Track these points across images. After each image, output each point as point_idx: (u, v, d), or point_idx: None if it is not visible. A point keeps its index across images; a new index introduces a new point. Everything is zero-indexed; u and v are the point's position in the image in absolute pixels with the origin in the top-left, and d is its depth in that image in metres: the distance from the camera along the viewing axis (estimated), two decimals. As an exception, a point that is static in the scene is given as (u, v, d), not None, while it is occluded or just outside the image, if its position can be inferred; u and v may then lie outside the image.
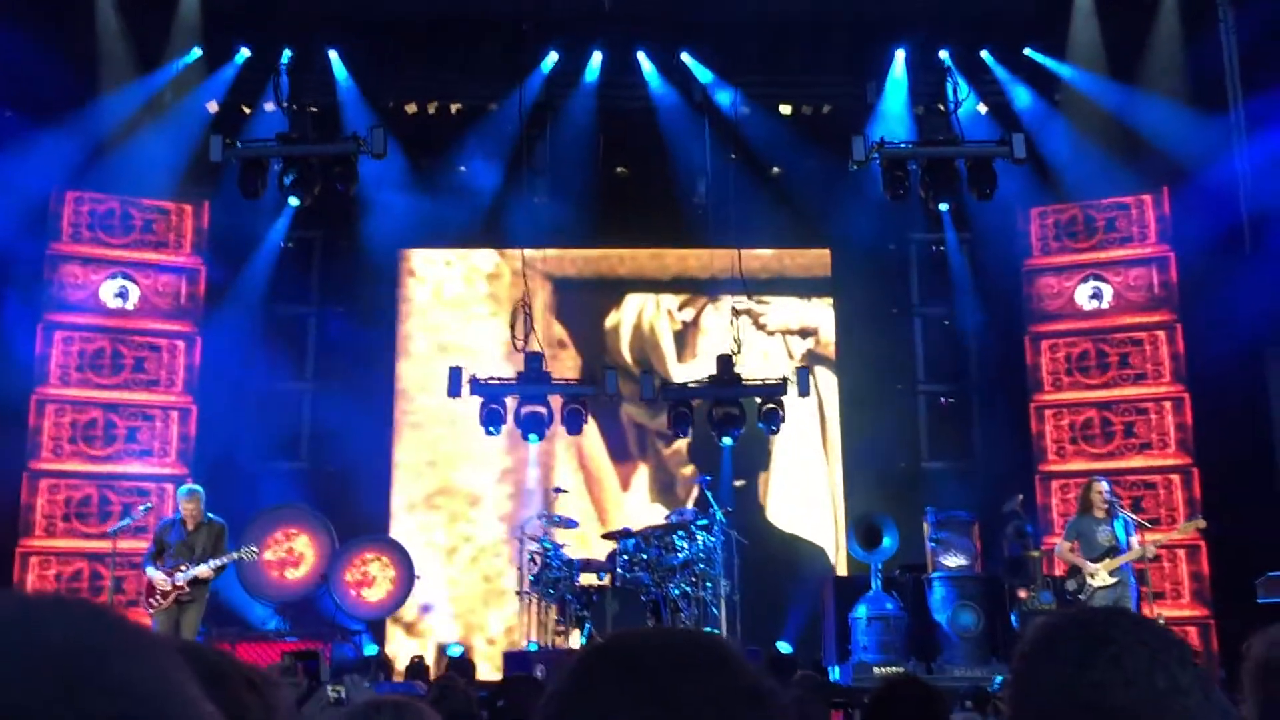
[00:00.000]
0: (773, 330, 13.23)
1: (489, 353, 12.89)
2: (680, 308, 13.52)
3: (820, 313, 13.27)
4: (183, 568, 8.56)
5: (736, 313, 11.69)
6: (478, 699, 4.19)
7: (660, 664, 0.93)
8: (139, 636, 0.68)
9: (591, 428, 12.20)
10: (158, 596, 8.58)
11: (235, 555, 8.84)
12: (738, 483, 12.05)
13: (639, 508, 12.58)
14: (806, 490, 12.88)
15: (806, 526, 12.79)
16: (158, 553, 8.77)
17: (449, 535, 12.66)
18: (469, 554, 12.62)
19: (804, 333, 13.26)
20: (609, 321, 13.40)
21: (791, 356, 13.05)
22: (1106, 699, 1.20)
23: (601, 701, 0.93)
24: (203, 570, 8.58)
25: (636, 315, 13.42)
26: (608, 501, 12.73)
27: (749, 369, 11.66)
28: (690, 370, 12.71)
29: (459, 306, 13.23)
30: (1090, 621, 1.34)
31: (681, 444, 12.64)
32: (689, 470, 12.76)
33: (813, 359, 12.91)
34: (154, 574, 8.63)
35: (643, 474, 12.97)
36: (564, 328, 13.12)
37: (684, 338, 13.42)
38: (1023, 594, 10.11)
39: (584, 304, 13.29)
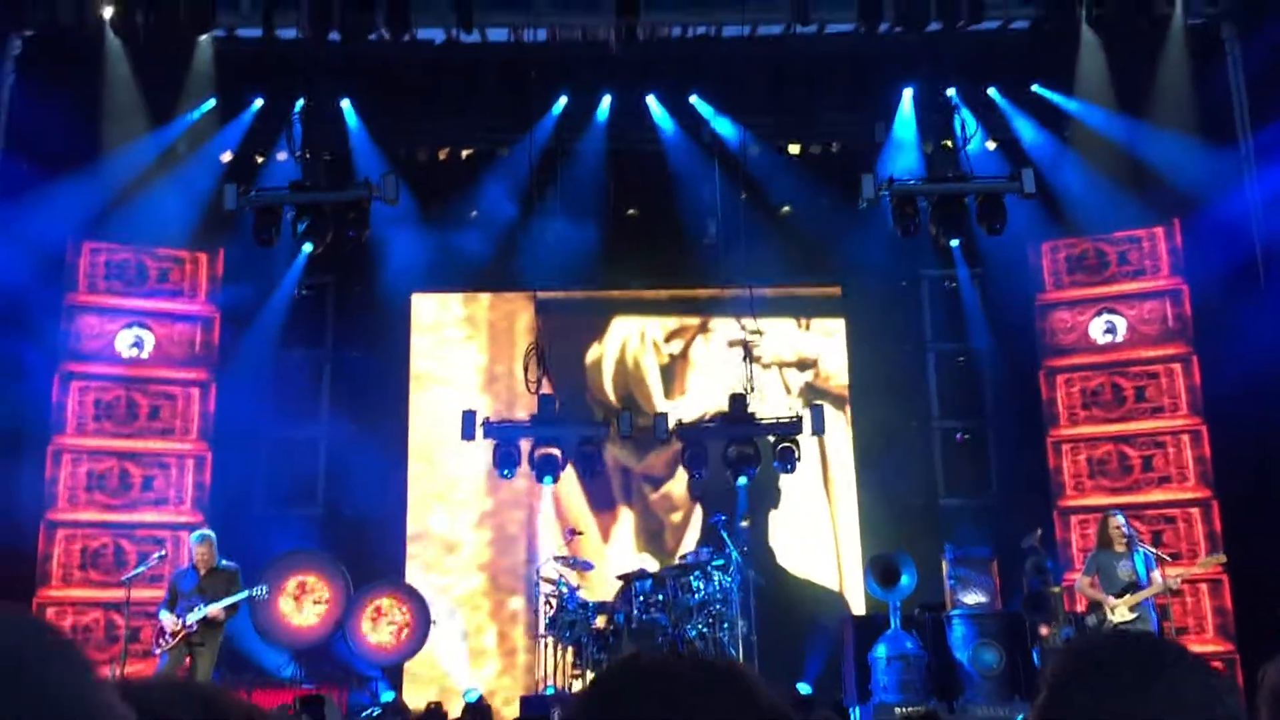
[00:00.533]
0: (782, 365, 13.20)
1: (502, 395, 12.91)
2: (667, 339, 13.42)
3: (833, 349, 13.25)
4: (193, 609, 8.61)
5: (749, 353, 11.66)
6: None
7: (682, 686, 0.94)
8: (56, 641, 0.68)
9: (569, 473, 11.77)
10: (166, 637, 8.61)
11: (246, 594, 8.85)
12: (744, 523, 11.88)
13: (623, 556, 12.42)
14: (813, 528, 12.80)
15: (817, 565, 12.71)
16: (172, 600, 8.86)
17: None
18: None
19: (812, 368, 13.23)
20: (590, 355, 13.30)
21: (790, 392, 13.02)
22: None
23: (623, 717, 0.94)
24: (213, 610, 8.60)
25: (620, 349, 13.29)
26: (588, 553, 12.07)
27: (761, 406, 11.64)
28: (678, 407, 12.60)
29: (472, 349, 13.26)
30: (1135, 647, 1.30)
31: (671, 487, 12.50)
32: (678, 516, 12.63)
33: (814, 394, 12.86)
34: (165, 616, 8.71)
35: (626, 521, 12.77)
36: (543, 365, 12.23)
37: (671, 372, 13.33)
38: (1044, 631, 10.01)
39: (566, 336, 13.11)
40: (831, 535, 12.76)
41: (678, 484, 12.62)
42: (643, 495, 12.80)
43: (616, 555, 12.49)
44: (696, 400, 11.67)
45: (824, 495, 12.85)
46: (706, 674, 0.96)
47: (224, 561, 8.96)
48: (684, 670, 0.97)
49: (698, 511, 12.56)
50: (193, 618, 8.57)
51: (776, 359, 13.19)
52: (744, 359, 11.53)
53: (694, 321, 13.34)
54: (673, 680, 0.96)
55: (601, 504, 12.71)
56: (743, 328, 12.31)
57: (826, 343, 13.27)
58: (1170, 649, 1.28)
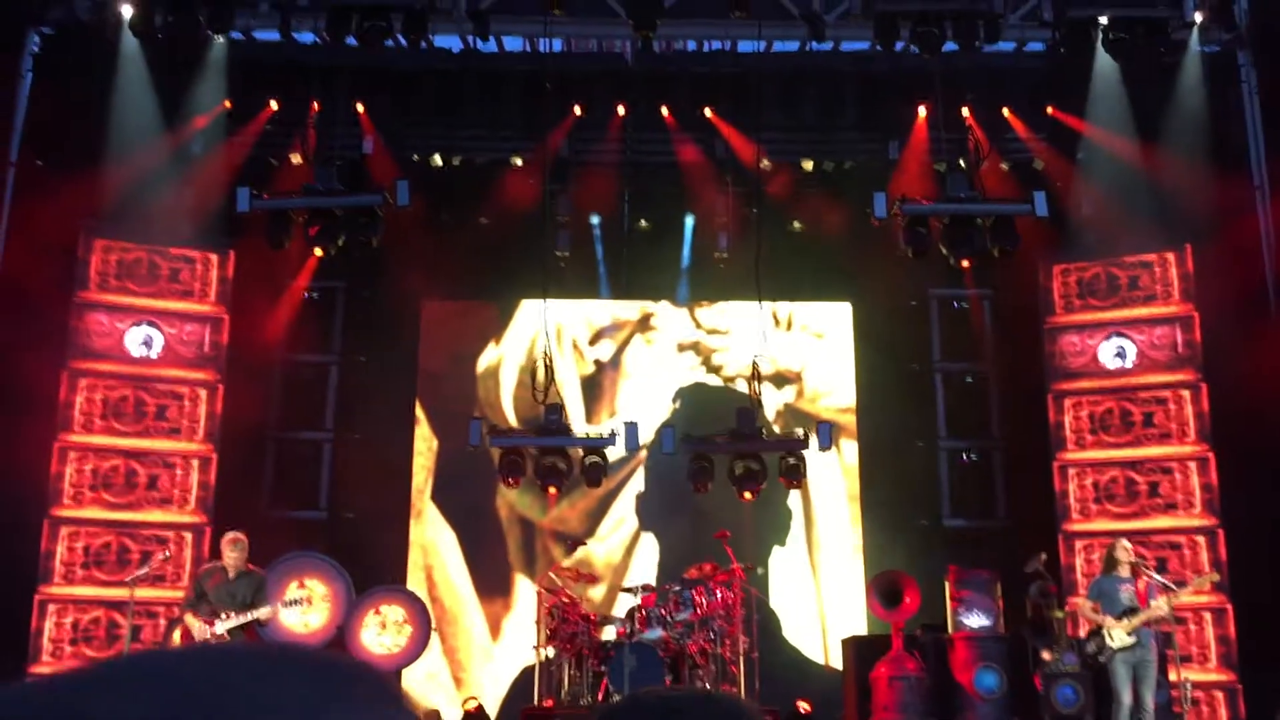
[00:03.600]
0: (787, 380, 13.18)
1: (509, 404, 12.92)
2: (593, 341, 13.32)
3: (840, 366, 13.23)
4: (223, 615, 8.50)
5: (758, 372, 11.62)
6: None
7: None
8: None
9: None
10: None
11: (278, 605, 8.84)
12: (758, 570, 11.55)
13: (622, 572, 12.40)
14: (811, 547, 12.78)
15: (813, 583, 12.68)
16: (197, 600, 8.68)
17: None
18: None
19: (814, 385, 13.22)
20: (481, 363, 13.16)
21: (792, 409, 13.00)
22: None
23: None
24: (243, 620, 8.51)
25: (526, 353, 12.99)
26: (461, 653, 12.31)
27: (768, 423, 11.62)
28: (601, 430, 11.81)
29: (479, 357, 13.26)
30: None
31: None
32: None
33: (817, 412, 12.85)
34: (192, 622, 8.54)
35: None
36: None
37: (595, 385, 13.18)
38: (1046, 655, 9.95)
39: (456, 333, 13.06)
40: (805, 553, 12.72)
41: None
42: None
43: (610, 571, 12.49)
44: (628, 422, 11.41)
45: (801, 511, 12.81)
46: (707, 708, 0.95)
47: (251, 567, 8.85)
48: (685, 705, 0.96)
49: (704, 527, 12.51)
50: (223, 627, 8.44)
51: (781, 373, 13.17)
52: (752, 375, 11.49)
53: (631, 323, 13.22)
54: (674, 715, 0.95)
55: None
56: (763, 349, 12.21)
57: (824, 356, 13.24)
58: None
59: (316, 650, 0.71)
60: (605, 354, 13.32)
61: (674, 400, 13.11)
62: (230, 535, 8.89)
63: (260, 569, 9.02)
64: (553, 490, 11.57)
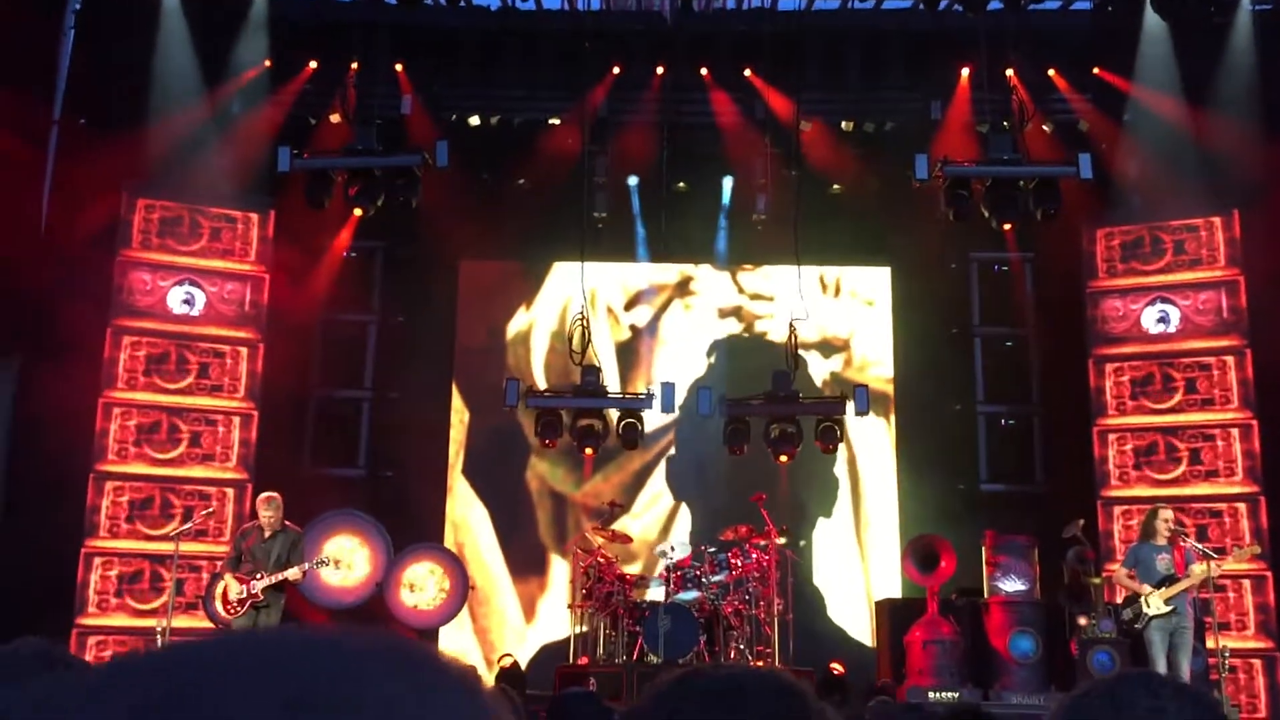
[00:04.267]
0: (825, 344, 13.13)
1: (547, 364, 12.97)
2: (629, 306, 13.27)
3: (879, 330, 13.15)
4: (259, 575, 8.69)
5: (795, 334, 11.55)
6: (525, 711, 4.18)
7: (746, 701, 0.94)
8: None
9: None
10: (234, 604, 8.73)
11: (309, 566, 8.94)
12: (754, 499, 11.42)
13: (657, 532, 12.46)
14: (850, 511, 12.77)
15: (851, 545, 12.68)
16: (237, 559, 8.90)
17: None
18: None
19: (850, 350, 13.15)
20: (513, 328, 13.16)
21: (823, 380, 12.94)
22: None
23: None
24: (281, 577, 8.70)
25: (558, 317, 12.94)
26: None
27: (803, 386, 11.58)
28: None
29: (518, 317, 13.28)
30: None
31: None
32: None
33: (856, 375, 12.77)
34: (230, 582, 8.78)
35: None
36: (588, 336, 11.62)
37: (632, 350, 13.16)
38: (1083, 621, 9.93)
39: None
40: (850, 513, 12.72)
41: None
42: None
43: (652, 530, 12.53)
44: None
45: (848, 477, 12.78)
46: (767, 688, 0.96)
47: (288, 523, 9.04)
48: (746, 683, 0.97)
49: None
50: (259, 586, 8.66)
51: (829, 340, 13.11)
52: (789, 338, 11.44)
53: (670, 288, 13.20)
54: (736, 694, 0.96)
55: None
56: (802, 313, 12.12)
57: (872, 323, 13.16)
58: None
59: (402, 641, 0.73)
60: (642, 319, 13.30)
61: (710, 362, 13.07)
62: (264, 495, 9.09)
63: (298, 526, 9.21)
64: (589, 452, 11.62)
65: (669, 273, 13.38)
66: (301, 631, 0.71)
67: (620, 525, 11.27)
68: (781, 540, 10.66)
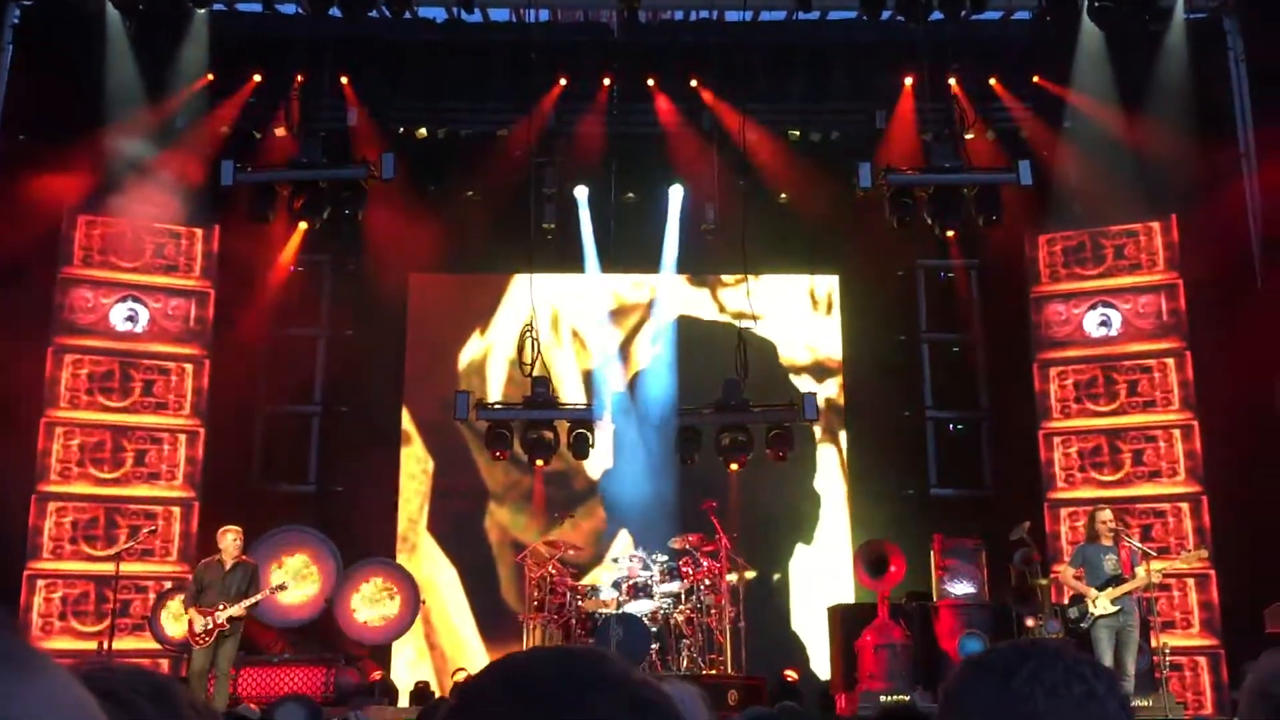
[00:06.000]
0: (776, 353, 13.19)
1: (496, 377, 12.93)
2: (589, 323, 13.11)
3: (828, 338, 13.24)
4: (221, 606, 8.98)
5: (743, 340, 11.63)
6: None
7: (548, 685, 0.95)
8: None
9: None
10: (201, 635, 8.97)
11: (266, 593, 9.32)
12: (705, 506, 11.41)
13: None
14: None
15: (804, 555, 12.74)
16: (197, 592, 9.12)
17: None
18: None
19: (806, 357, 13.23)
20: (470, 348, 13.09)
21: (782, 379, 13.00)
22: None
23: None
24: (237, 610, 9.01)
25: (518, 333, 12.10)
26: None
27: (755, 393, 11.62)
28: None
29: (466, 331, 13.24)
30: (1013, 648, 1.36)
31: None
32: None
33: (806, 382, 12.82)
34: (194, 615, 9.02)
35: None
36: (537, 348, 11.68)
37: (594, 363, 12.96)
38: (1030, 622, 10.04)
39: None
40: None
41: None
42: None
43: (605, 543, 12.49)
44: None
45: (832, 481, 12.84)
46: (566, 666, 0.97)
47: (243, 558, 9.32)
48: (545, 666, 0.98)
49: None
50: (221, 616, 8.96)
51: (788, 352, 13.14)
52: (738, 346, 11.50)
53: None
54: (532, 679, 0.97)
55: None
56: (750, 319, 12.21)
57: (821, 331, 13.24)
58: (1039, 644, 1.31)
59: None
60: (603, 335, 13.20)
61: (661, 371, 13.04)
62: (225, 528, 9.31)
63: (253, 560, 9.53)
64: (540, 463, 11.60)
65: (621, 283, 13.38)
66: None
67: (569, 527, 11.26)
68: (750, 574, 10.69)
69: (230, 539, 9.15)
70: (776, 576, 12.46)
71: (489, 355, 13.17)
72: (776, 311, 13.14)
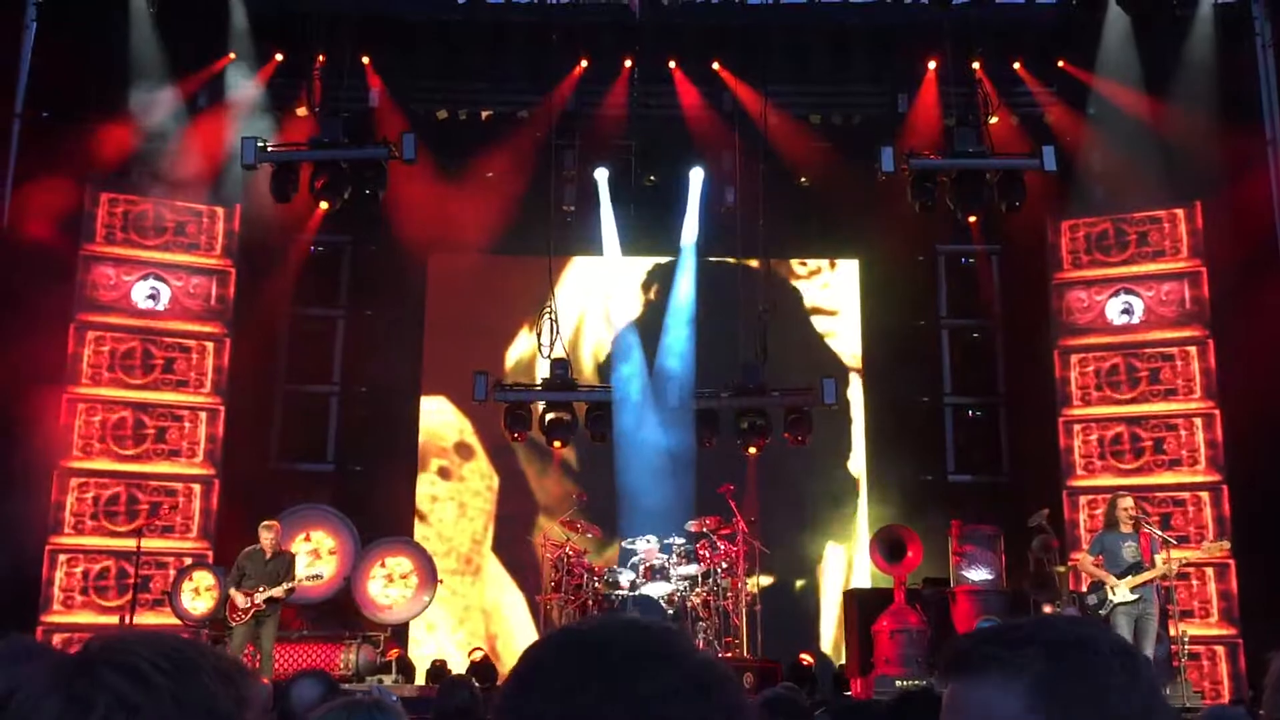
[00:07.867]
0: (797, 335, 13.14)
1: (515, 358, 12.94)
2: (613, 302, 13.02)
3: (848, 322, 13.20)
4: (261, 589, 9.44)
5: (763, 323, 11.61)
6: (483, 699, 4.20)
7: (615, 655, 0.95)
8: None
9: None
10: (240, 612, 9.37)
11: (302, 579, 9.70)
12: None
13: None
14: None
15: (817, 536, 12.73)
16: (240, 577, 9.51)
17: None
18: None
19: (826, 340, 13.19)
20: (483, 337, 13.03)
21: (802, 364, 12.95)
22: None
23: (556, 689, 0.95)
24: (278, 591, 9.46)
25: (536, 324, 12.06)
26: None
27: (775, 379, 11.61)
28: None
29: (486, 311, 13.23)
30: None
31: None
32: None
33: (826, 367, 12.77)
34: (235, 594, 9.46)
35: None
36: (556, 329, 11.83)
37: (615, 344, 12.87)
38: (1048, 609, 10.02)
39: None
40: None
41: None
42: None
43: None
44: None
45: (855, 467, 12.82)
46: (638, 638, 0.97)
47: (282, 549, 9.78)
48: (615, 636, 0.98)
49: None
50: (261, 597, 9.39)
51: (790, 330, 13.09)
52: (757, 330, 11.48)
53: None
54: (604, 647, 0.97)
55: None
56: (769, 303, 12.11)
57: (841, 315, 13.20)
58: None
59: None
60: (622, 318, 13.16)
61: (679, 355, 13.00)
62: (266, 522, 9.73)
63: (289, 550, 10.00)
64: (558, 444, 11.62)
65: (645, 267, 13.34)
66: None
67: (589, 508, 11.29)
68: (768, 580, 10.70)
69: (270, 534, 9.62)
70: (800, 583, 12.46)
71: (508, 337, 13.18)
72: (796, 295, 13.11)
